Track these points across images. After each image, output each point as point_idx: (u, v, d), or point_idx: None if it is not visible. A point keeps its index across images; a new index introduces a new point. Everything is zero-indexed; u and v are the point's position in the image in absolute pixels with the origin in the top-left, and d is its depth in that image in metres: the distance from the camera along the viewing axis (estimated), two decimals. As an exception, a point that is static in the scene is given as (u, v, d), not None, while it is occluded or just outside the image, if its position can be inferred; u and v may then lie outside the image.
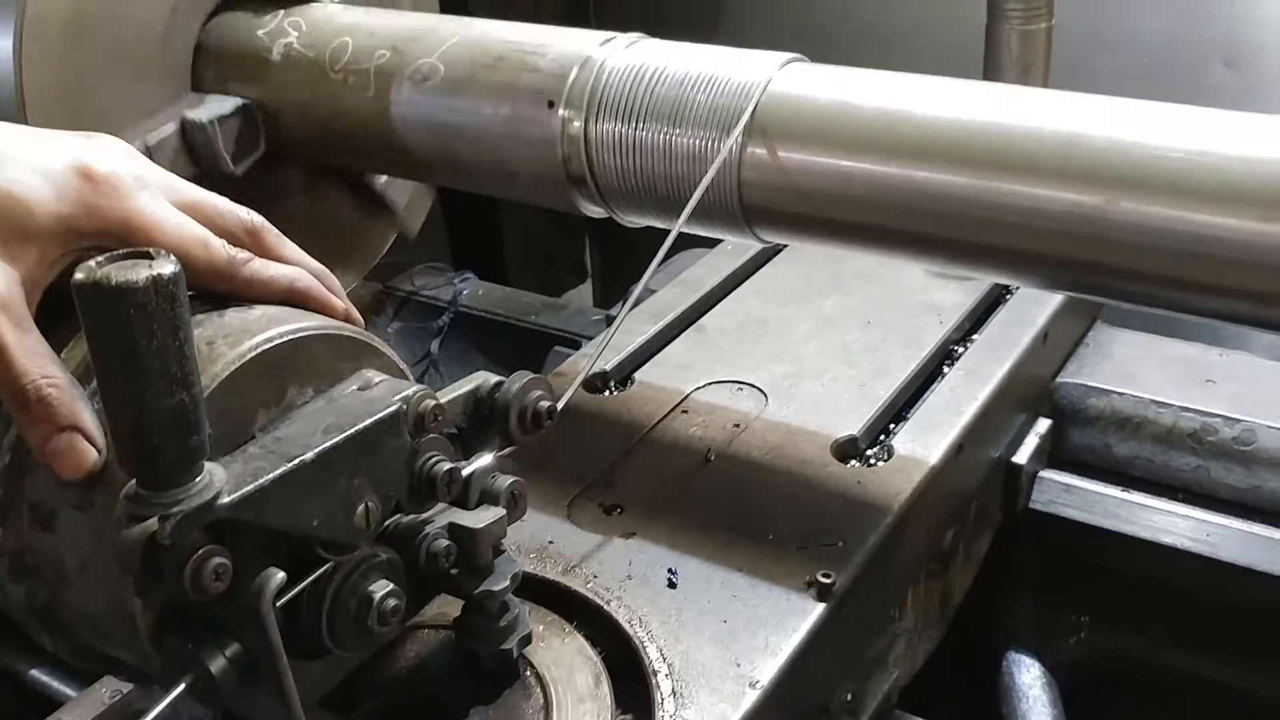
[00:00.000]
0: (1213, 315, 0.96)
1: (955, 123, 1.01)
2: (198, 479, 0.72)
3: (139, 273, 0.66)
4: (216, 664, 0.76)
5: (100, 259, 0.68)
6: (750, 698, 0.92)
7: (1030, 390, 1.42)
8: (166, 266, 0.67)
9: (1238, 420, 1.38)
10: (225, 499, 0.72)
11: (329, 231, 1.52)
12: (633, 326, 1.42)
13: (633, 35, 1.20)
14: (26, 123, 1.18)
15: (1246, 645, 1.33)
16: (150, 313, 0.66)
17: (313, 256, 0.95)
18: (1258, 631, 1.31)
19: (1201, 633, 1.35)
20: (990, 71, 1.49)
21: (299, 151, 1.39)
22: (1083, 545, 1.36)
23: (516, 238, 2.59)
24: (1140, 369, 1.48)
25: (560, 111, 1.16)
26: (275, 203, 1.40)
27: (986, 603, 1.39)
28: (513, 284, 2.40)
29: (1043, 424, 1.43)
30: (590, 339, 1.93)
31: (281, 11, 1.36)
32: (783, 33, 2.32)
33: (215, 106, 1.32)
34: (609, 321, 1.81)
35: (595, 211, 1.23)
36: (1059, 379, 1.48)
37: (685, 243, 1.34)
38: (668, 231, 1.12)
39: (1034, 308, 1.43)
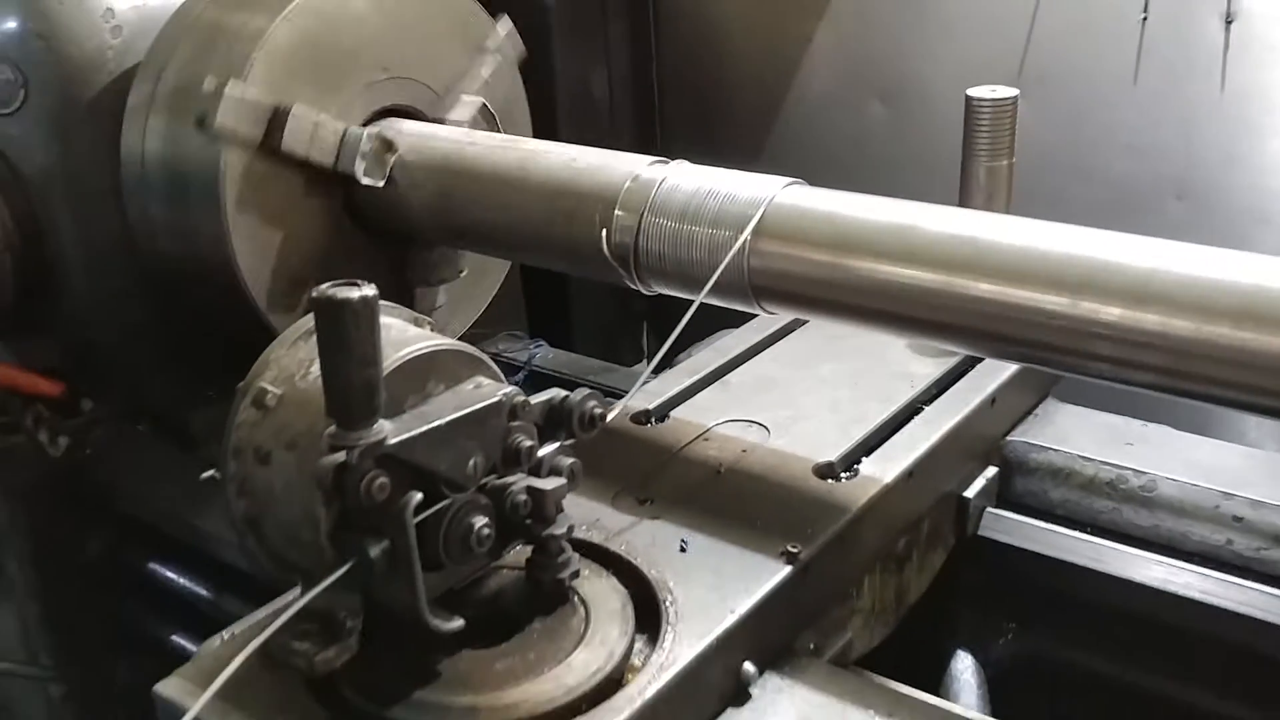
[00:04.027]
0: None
1: (908, 230, 1.41)
2: (374, 427, 1.13)
3: (353, 293, 1.08)
4: (374, 550, 1.15)
5: (325, 285, 1.10)
6: (728, 620, 1.30)
7: (979, 443, 1.80)
8: (369, 289, 1.09)
9: (1144, 473, 1.75)
10: (392, 440, 1.13)
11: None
12: (674, 379, 1.84)
13: (681, 162, 1.62)
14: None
15: (1136, 647, 1.68)
16: (360, 317, 1.08)
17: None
18: (1144, 635, 1.66)
19: (1104, 636, 1.71)
20: (964, 196, 1.88)
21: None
22: (1012, 565, 1.73)
23: (584, 316, 3.02)
24: (1075, 434, 1.86)
25: (616, 211, 1.58)
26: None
27: (937, 609, 1.75)
28: (578, 353, 2.81)
29: (990, 470, 1.81)
30: (641, 397, 2.33)
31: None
32: (807, 162, 2.77)
33: None
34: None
35: (628, 282, 1.62)
36: (1008, 438, 1.86)
37: (723, 322, 1.76)
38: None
39: (986, 379, 1.82)
